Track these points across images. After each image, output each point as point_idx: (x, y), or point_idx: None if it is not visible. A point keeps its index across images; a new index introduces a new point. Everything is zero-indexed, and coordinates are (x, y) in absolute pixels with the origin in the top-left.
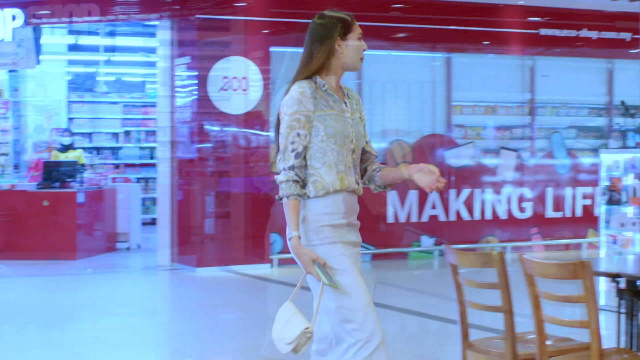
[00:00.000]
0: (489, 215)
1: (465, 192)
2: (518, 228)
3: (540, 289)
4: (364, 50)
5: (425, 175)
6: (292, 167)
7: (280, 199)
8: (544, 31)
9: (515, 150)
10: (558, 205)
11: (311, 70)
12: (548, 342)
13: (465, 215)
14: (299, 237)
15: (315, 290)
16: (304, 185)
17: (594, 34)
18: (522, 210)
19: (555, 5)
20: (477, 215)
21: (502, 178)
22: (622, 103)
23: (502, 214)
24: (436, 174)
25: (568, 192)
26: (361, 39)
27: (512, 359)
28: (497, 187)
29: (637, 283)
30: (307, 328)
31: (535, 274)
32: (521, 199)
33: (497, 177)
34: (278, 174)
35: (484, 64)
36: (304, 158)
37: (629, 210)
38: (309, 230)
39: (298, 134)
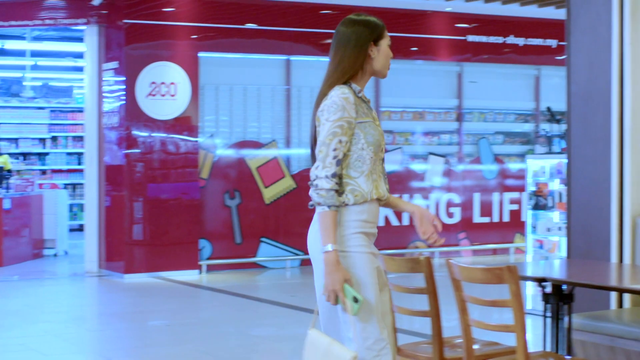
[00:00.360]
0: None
1: None
2: (446, 233)
3: (467, 293)
4: (391, 57)
5: (426, 223)
6: (334, 175)
7: (312, 206)
8: (471, 38)
9: (443, 155)
10: (486, 210)
11: (348, 75)
12: (475, 346)
13: (393, 220)
14: (337, 252)
15: (323, 307)
16: (340, 194)
17: (520, 41)
18: (450, 215)
19: (483, 12)
20: (405, 220)
21: (430, 183)
22: (548, 109)
23: None
24: (438, 227)
25: (495, 197)
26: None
27: None
28: (425, 192)
29: (562, 287)
30: (354, 357)
31: (462, 278)
32: (449, 205)
33: (425, 182)
34: (312, 180)
35: (412, 70)
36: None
37: (555, 215)
38: (344, 235)
39: (340, 141)
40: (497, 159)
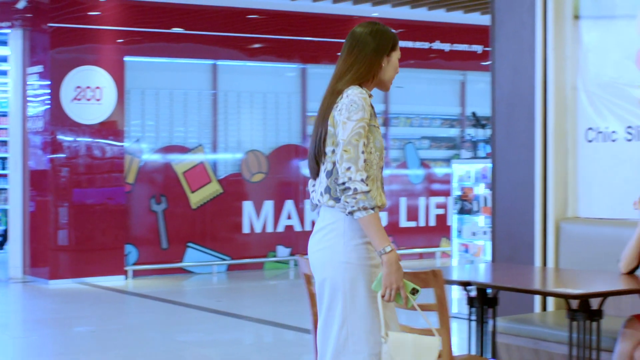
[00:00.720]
0: None
1: None
2: None
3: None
4: (397, 72)
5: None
6: (368, 178)
7: (351, 212)
8: (400, 43)
9: None
10: (412, 214)
11: (364, 79)
12: None
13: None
14: (395, 250)
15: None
16: None
17: (446, 46)
18: None
19: (409, 17)
20: None
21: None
22: (474, 114)
23: None
24: (400, 294)
25: (422, 202)
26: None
27: None
28: None
29: (487, 291)
30: (438, 340)
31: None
32: None
33: None
34: (344, 183)
35: None
36: None
37: (480, 220)
38: (350, 245)
39: (365, 143)
40: (423, 163)
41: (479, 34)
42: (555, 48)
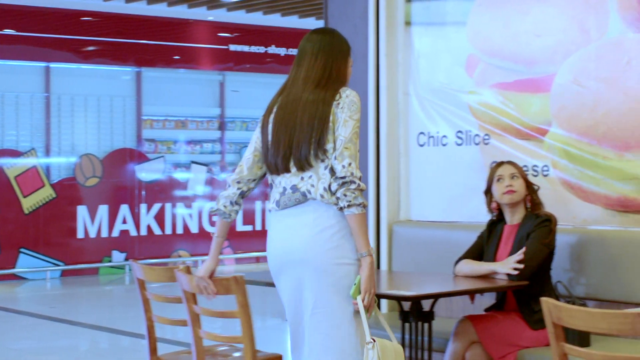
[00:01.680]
0: (180, 230)
1: (157, 207)
2: (209, 242)
3: (200, 305)
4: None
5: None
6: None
7: (348, 206)
8: (233, 47)
9: (206, 164)
10: (248, 218)
11: (345, 82)
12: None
13: (156, 229)
14: None
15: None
16: None
17: (282, 51)
18: (213, 224)
19: (244, 21)
20: (168, 229)
21: (193, 192)
22: None
23: (194, 228)
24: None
25: (258, 205)
26: None
27: None
28: (188, 201)
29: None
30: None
31: (192, 289)
32: (212, 213)
33: (188, 191)
34: (347, 178)
35: (175, 78)
36: None
37: None
38: (351, 245)
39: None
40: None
41: None
42: (387, 54)
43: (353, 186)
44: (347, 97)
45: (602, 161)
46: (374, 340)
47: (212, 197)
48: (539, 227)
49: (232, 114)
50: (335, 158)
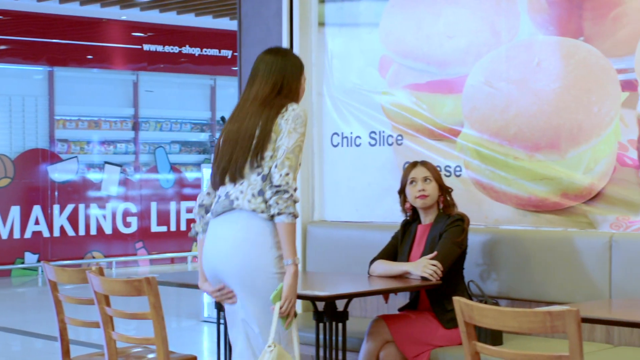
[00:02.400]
0: (93, 231)
1: (70, 207)
2: (124, 243)
3: (112, 306)
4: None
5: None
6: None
7: (279, 214)
8: (147, 47)
9: (119, 165)
10: (163, 219)
11: (296, 99)
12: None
13: (69, 230)
14: None
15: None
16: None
17: (196, 51)
18: (127, 225)
19: (158, 21)
20: (81, 230)
21: (107, 193)
22: (223, 119)
23: (107, 229)
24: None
25: (172, 206)
26: None
27: None
28: (102, 202)
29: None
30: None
31: (103, 291)
32: (126, 214)
33: (102, 192)
34: (282, 187)
35: (88, 78)
36: None
37: None
38: (279, 256)
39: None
40: (174, 168)
41: (229, 39)
42: (300, 55)
43: (286, 195)
44: (292, 111)
45: (513, 161)
46: (275, 346)
47: (125, 198)
48: (451, 226)
49: (146, 114)
50: (275, 166)
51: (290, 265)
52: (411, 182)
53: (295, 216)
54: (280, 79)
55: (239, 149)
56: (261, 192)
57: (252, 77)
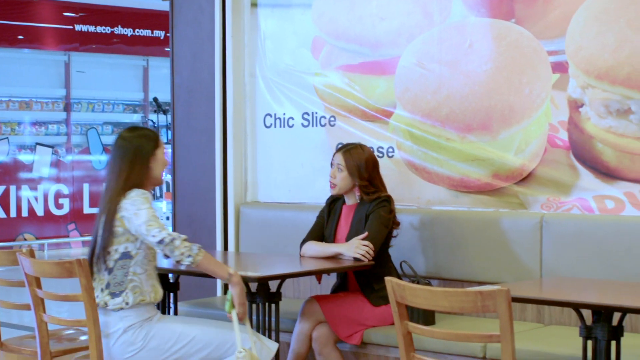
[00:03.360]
0: (25, 213)
1: (1, 189)
2: (56, 224)
3: (43, 288)
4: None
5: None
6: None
7: (191, 257)
8: (79, 27)
9: (51, 146)
10: (95, 201)
11: (139, 185)
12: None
13: (0, 212)
14: None
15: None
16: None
17: (129, 31)
18: (59, 206)
19: (91, 1)
20: (13, 212)
21: (39, 174)
22: (155, 100)
23: (39, 211)
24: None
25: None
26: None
27: (43, 357)
28: (33, 183)
29: (169, 276)
30: None
31: (34, 273)
32: (58, 196)
33: (33, 173)
34: (163, 238)
35: (19, 58)
36: None
37: (163, 205)
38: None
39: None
40: (107, 149)
41: (162, 20)
42: (233, 35)
43: (178, 240)
44: (129, 199)
45: (445, 143)
46: (244, 350)
47: (57, 180)
48: (378, 207)
49: (78, 95)
50: (146, 237)
51: (232, 277)
52: (331, 165)
53: (199, 248)
54: (123, 166)
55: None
56: (108, 285)
57: (110, 160)
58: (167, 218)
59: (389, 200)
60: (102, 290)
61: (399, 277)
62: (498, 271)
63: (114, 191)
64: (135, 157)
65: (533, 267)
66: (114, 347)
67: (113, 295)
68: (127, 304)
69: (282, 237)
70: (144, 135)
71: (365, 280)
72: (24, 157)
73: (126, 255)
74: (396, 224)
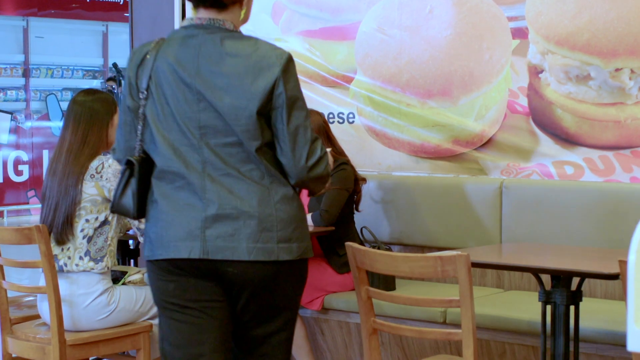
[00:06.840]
0: None
1: None
2: (15, 191)
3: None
4: None
5: None
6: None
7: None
8: None
9: (10, 112)
10: None
11: (100, 150)
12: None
13: None
14: None
15: None
16: None
17: None
18: (19, 173)
19: None
20: None
21: None
22: (115, 66)
23: None
24: None
25: None
26: None
27: (3, 323)
28: None
29: (129, 242)
30: None
31: None
32: (18, 162)
33: None
34: None
35: None
36: None
37: None
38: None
39: None
40: None
41: None
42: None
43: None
44: (108, 167)
45: (406, 108)
46: None
47: (17, 146)
48: (336, 171)
49: (37, 61)
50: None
51: None
52: None
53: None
54: (85, 128)
55: (57, 210)
56: (88, 253)
57: (64, 124)
58: None
59: (347, 163)
60: (81, 257)
61: (362, 243)
62: (458, 237)
63: (75, 155)
64: (93, 121)
65: (493, 233)
66: (87, 308)
67: (96, 260)
68: (107, 267)
69: None
70: (102, 99)
71: (329, 247)
72: None
73: (105, 222)
74: (361, 180)
